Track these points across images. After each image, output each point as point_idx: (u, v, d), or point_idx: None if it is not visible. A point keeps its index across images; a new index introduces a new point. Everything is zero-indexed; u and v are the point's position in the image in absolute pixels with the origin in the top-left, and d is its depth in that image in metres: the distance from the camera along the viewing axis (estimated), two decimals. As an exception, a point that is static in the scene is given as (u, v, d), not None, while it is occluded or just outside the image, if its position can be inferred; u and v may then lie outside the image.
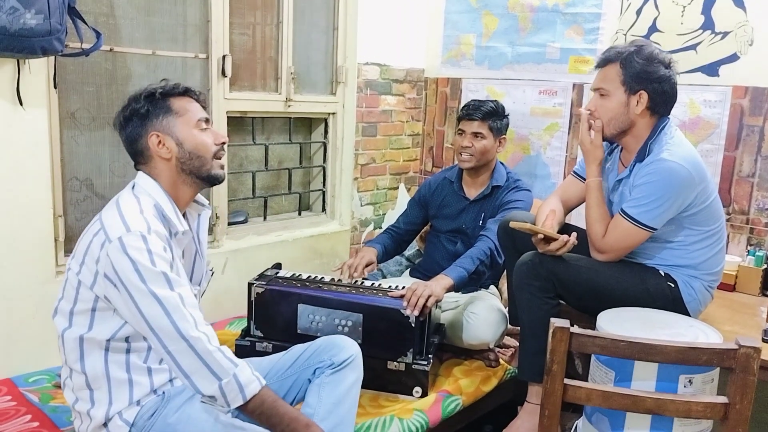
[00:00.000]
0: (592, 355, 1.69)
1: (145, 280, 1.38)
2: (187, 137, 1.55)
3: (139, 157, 1.58)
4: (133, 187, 1.56)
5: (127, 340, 1.48)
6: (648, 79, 1.93)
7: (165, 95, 1.56)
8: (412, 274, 2.72)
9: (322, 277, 2.30)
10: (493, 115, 2.54)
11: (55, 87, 2.14)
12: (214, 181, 1.62)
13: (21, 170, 2.06)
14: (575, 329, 1.44)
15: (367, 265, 2.39)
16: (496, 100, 2.62)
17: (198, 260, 1.71)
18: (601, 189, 2.04)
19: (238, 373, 1.42)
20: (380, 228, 3.46)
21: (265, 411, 1.44)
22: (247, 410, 1.44)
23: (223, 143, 1.62)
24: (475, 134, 2.53)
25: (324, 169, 3.27)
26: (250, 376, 1.44)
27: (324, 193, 3.29)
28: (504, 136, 2.60)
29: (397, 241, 2.70)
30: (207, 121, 1.61)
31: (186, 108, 1.57)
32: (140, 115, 1.54)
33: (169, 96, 1.56)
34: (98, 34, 2.06)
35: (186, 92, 1.60)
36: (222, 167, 1.62)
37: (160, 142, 1.54)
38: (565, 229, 2.12)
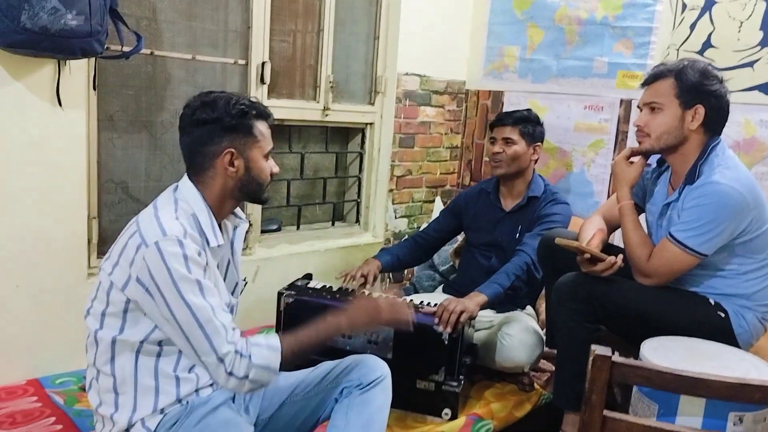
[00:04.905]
0: (634, 385, 1.60)
1: (180, 289, 1.39)
2: (257, 163, 1.56)
3: (197, 164, 1.53)
4: (175, 189, 1.54)
5: (159, 344, 1.47)
6: (704, 92, 1.87)
7: (257, 116, 1.54)
8: (445, 291, 2.65)
9: (353, 290, 2.25)
10: (524, 121, 2.49)
11: (94, 89, 2.15)
12: (261, 203, 1.72)
13: (57, 171, 2.07)
14: (617, 358, 1.36)
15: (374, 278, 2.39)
16: (529, 109, 2.59)
17: (231, 271, 1.68)
18: (634, 211, 1.98)
19: (256, 361, 1.44)
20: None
21: (299, 350, 1.51)
22: (285, 362, 1.48)
23: (275, 174, 1.63)
24: (506, 140, 2.47)
25: (359, 179, 3.23)
26: (267, 355, 1.46)
27: (358, 204, 3.25)
28: (539, 143, 2.52)
29: (423, 248, 2.64)
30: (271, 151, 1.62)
31: (264, 134, 1.57)
32: (224, 127, 1.50)
33: (258, 118, 1.55)
34: (139, 38, 2.07)
35: (267, 117, 1.59)
36: (268, 192, 1.65)
37: (232, 160, 1.52)
38: (608, 249, 2.04)
